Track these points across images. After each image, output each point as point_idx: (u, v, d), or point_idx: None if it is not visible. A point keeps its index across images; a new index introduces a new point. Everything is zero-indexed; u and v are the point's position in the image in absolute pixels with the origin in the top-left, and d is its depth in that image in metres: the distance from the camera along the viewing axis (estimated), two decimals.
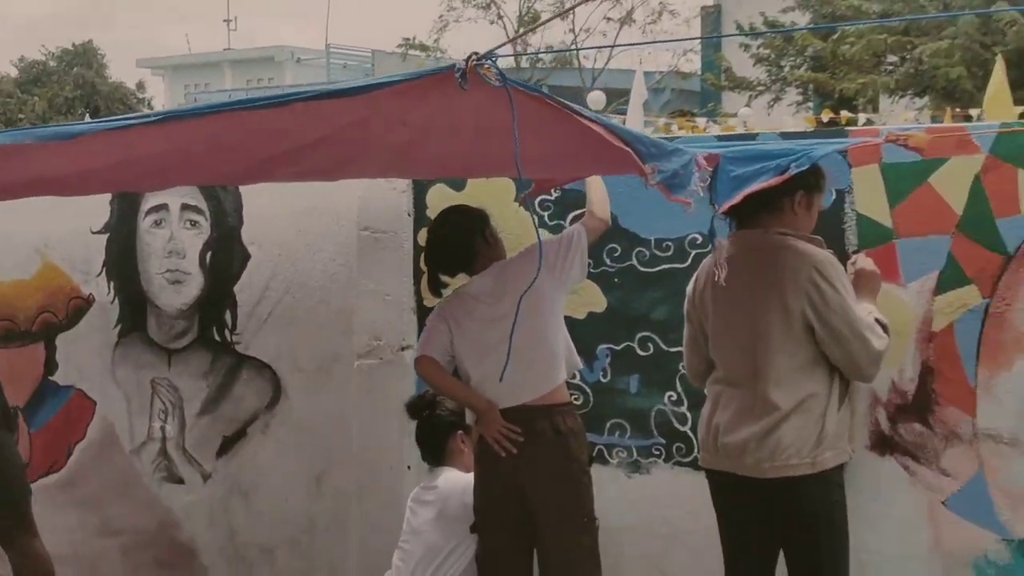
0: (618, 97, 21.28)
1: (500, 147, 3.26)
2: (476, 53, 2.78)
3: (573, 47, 27.06)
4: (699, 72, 27.07)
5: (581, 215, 4.73)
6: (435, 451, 4.73)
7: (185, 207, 5.61)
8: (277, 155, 3.84)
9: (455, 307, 4.41)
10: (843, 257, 4.23)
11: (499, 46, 2.85)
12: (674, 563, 4.74)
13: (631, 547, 4.71)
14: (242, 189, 5.47)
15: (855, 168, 4.40)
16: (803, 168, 3.79)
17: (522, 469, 4.23)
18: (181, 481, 5.64)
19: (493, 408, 4.28)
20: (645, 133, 3.75)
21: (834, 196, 4.40)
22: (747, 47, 21.19)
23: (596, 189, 4.52)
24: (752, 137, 4.70)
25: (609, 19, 28.52)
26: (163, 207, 5.66)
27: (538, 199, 4.85)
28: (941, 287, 4.29)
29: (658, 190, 3.35)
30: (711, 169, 3.75)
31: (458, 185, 5.04)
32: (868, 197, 4.39)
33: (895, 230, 4.35)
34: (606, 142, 3.22)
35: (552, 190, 4.84)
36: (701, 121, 13.65)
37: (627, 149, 3.25)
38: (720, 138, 4.79)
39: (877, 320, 3.93)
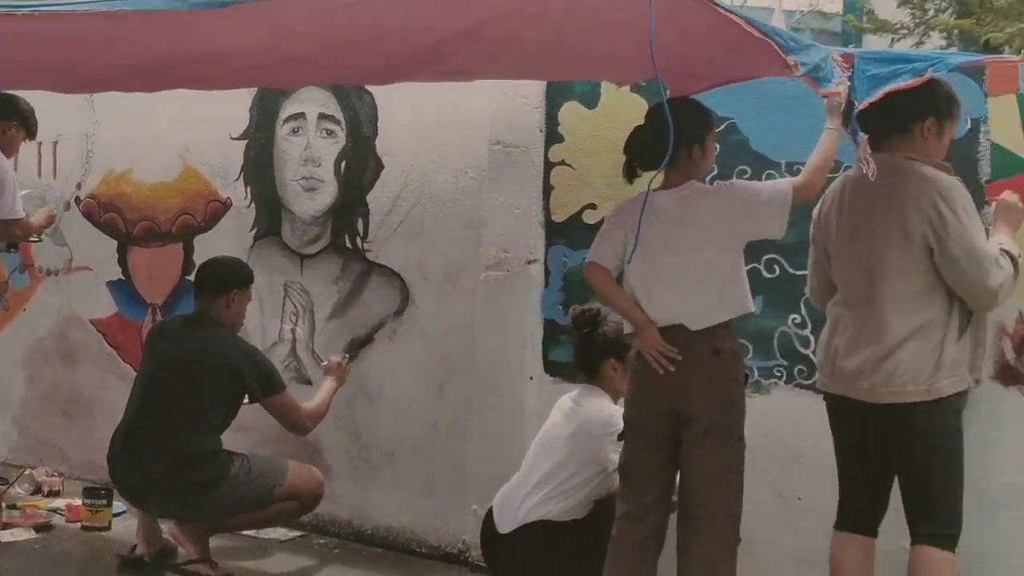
0: None
1: (635, 46, 3.26)
2: None
3: None
4: (841, 13, 26.37)
5: None
6: (588, 368, 4.73)
7: (322, 116, 5.74)
8: (419, 51, 3.87)
9: (634, 214, 4.13)
10: (975, 187, 4.18)
11: None
12: (791, 484, 4.77)
13: (749, 467, 4.73)
14: (378, 100, 5.58)
15: (991, 98, 4.33)
16: (939, 72, 3.71)
17: (677, 386, 4.15)
18: (309, 382, 5.80)
19: (651, 326, 4.19)
20: (779, 27, 3.70)
21: (968, 125, 4.34)
22: None
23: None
24: None
25: None
26: (300, 115, 5.81)
27: None
28: None
29: (805, 83, 3.37)
30: (848, 67, 3.71)
31: (591, 102, 5.07)
32: (1004, 127, 4.32)
33: None
34: (746, 34, 3.22)
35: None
36: None
37: (768, 40, 3.25)
38: None
39: (1007, 252, 3.87)
